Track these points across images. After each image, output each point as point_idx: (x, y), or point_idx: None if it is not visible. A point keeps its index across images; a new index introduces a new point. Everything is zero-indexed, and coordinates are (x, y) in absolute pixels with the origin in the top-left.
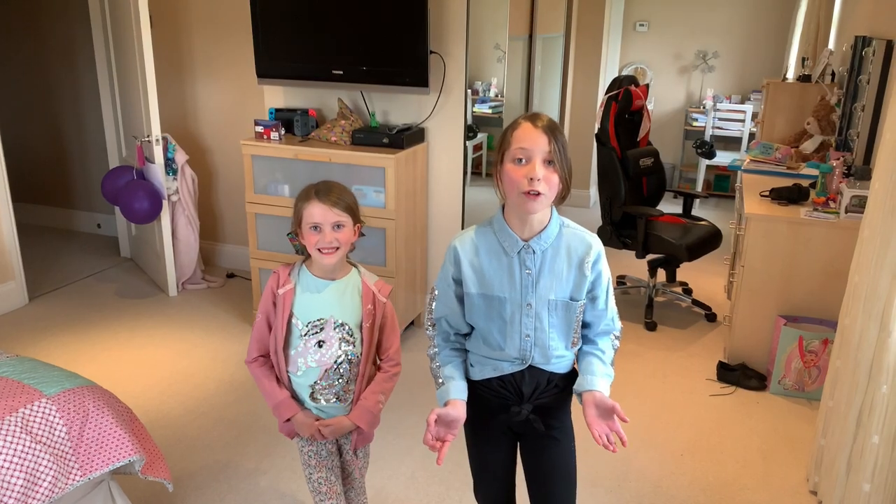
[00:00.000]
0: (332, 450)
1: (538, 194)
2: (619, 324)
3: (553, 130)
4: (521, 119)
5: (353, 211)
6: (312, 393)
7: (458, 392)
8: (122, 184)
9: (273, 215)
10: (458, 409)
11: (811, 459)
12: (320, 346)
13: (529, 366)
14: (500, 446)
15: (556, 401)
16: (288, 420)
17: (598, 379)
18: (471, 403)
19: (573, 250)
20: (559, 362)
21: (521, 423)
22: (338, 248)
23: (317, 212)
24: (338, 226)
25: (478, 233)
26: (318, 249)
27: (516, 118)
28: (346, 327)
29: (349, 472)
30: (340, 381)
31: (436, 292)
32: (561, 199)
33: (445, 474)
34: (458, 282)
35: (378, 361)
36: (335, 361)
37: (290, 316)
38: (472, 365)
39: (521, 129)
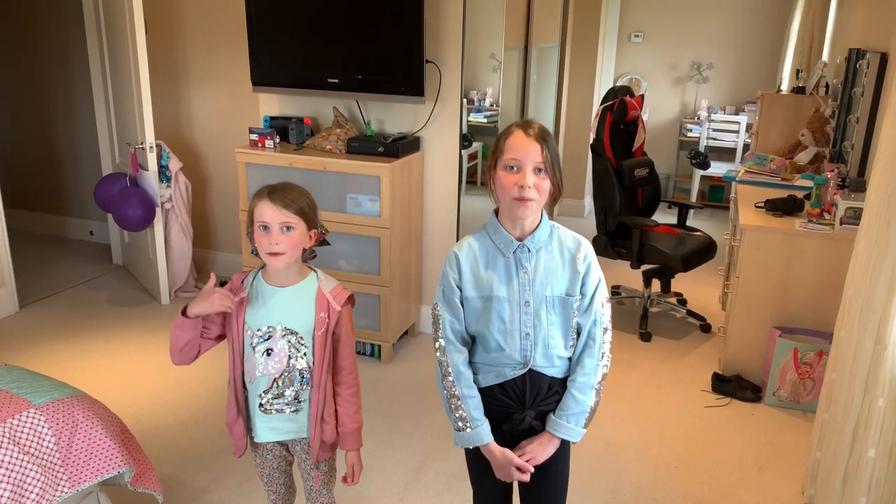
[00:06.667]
0: (282, 468)
1: (529, 200)
2: (602, 327)
3: (544, 138)
4: (514, 127)
5: (305, 215)
6: (262, 404)
7: (489, 435)
8: (116, 191)
9: None
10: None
11: (807, 472)
12: (269, 355)
13: (530, 370)
14: None
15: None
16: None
17: (565, 425)
18: None
19: (566, 247)
20: (561, 364)
21: (524, 430)
22: (283, 253)
23: (266, 211)
24: (287, 227)
25: (474, 238)
26: (267, 252)
27: (509, 126)
28: (297, 335)
29: (309, 486)
30: (290, 391)
31: (438, 306)
32: (553, 202)
33: (439, 486)
34: (460, 287)
35: (334, 383)
36: (284, 370)
37: (243, 325)
38: (475, 374)
39: (514, 137)
